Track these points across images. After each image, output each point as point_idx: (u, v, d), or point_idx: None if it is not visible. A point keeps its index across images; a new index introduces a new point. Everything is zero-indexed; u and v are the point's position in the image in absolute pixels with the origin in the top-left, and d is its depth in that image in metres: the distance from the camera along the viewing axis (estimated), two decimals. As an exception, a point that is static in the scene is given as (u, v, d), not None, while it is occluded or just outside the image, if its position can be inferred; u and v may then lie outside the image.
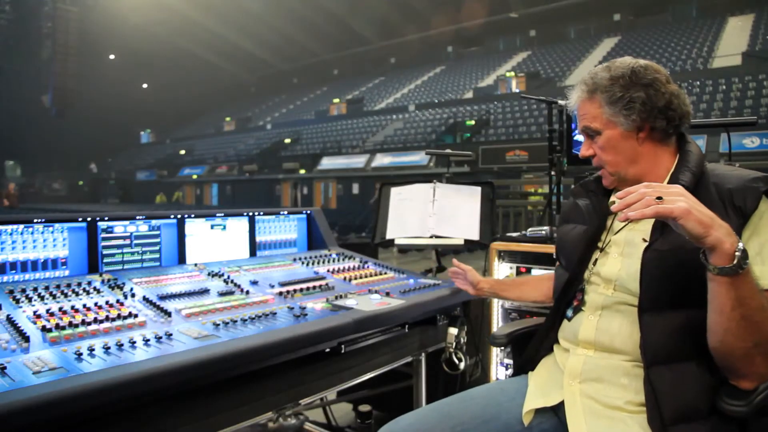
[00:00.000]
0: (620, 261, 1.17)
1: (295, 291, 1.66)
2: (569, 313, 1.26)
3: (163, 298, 1.49)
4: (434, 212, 2.25)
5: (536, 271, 2.13)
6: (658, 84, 1.14)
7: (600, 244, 1.23)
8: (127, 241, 1.76)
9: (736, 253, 0.90)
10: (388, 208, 2.34)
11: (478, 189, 2.27)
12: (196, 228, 1.94)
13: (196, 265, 1.85)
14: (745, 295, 0.92)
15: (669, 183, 1.12)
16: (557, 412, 1.22)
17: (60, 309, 1.30)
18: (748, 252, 0.96)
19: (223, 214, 2.03)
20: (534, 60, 27.71)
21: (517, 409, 1.24)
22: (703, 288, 0.99)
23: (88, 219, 1.69)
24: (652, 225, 1.12)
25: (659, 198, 0.93)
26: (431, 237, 2.22)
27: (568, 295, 1.27)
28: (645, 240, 1.12)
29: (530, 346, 1.38)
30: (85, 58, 29.37)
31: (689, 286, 1.03)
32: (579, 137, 1.30)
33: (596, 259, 1.22)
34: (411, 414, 1.27)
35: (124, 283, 1.55)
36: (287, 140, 26.74)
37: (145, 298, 1.46)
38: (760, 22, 22.10)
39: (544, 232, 2.18)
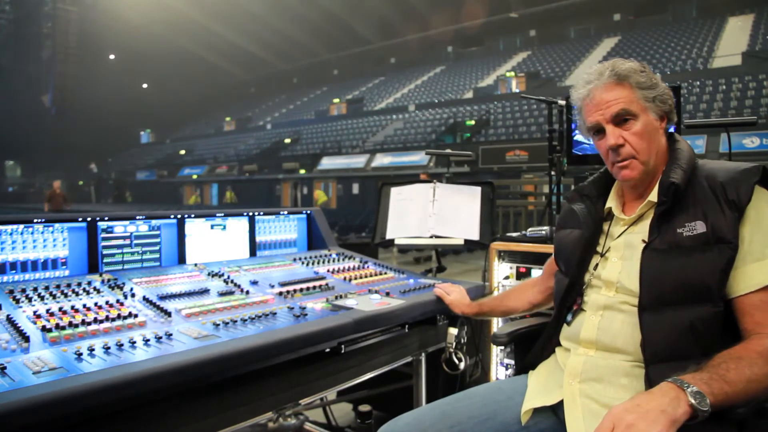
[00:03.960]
0: (620, 264, 1.17)
1: (295, 291, 1.66)
2: (569, 317, 1.27)
3: (163, 298, 1.49)
4: (434, 212, 2.25)
5: (536, 272, 2.12)
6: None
7: (599, 249, 1.23)
8: (127, 241, 1.76)
9: (694, 411, 0.87)
10: (388, 208, 2.34)
11: (478, 189, 2.27)
12: (196, 228, 1.93)
13: (196, 265, 1.85)
14: (738, 391, 0.91)
15: (661, 181, 1.13)
16: (556, 411, 1.22)
17: (60, 309, 1.30)
18: (743, 246, 0.99)
19: (223, 214, 2.03)
20: (534, 60, 27.68)
21: (515, 408, 1.24)
22: (702, 285, 1.01)
23: (88, 219, 1.69)
24: (650, 225, 1.13)
25: None
26: (431, 237, 2.22)
27: (569, 300, 1.27)
28: (644, 241, 1.12)
29: (533, 350, 1.38)
30: (85, 58, 29.39)
31: (688, 283, 1.04)
32: (579, 137, 1.30)
33: (596, 264, 1.23)
34: (410, 413, 1.28)
35: (124, 283, 1.55)
36: (287, 140, 26.72)
37: (145, 298, 1.46)
38: (760, 22, 22.07)
39: (544, 232, 2.18)
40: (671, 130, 1.25)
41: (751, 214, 1.04)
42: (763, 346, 0.97)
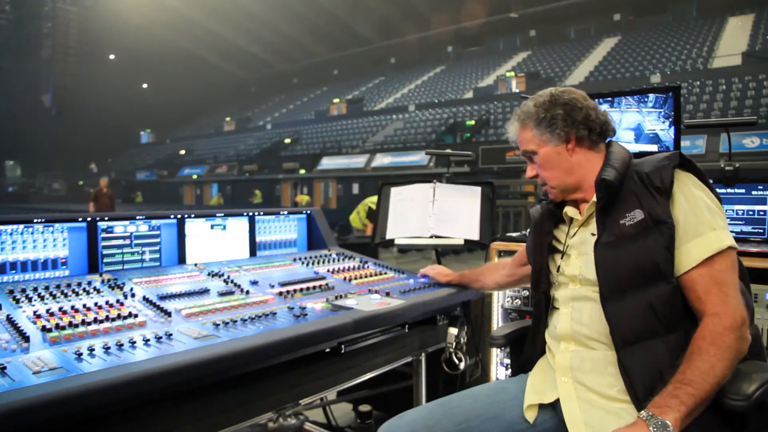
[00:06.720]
0: (580, 259, 1.26)
1: (295, 291, 1.66)
2: (548, 320, 1.35)
3: (163, 298, 1.49)
4: (434, 212, 2.25)
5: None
6: (574, 101, 1.28)
7: (561, 248, 1.33)
8: (127, 241, 1.76)
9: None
10: (388, 208, 2.34)
11: (478, 189, 2.27)
12: (196, 228, 1.93)
13: (196, 265, 1.85)
14: (699, 386, 0.99)
15: (595, 181, 1.22)
16: (557, 409, 1.24)
17: (60, 309, 1.30)
18: (680, 228, 1.09)
19: (223, 214, 2.03)
20: (534, 60, 27.67)
21: (520, 407, 1.28)
22: (652, 265, 1.10)
23: (88, 219, 1.69)
24: (596, 221, 1.22)
25: None
26: (431, 237, 2.22)
27: (540, 285, 1.36)
28: (593, 234, 1.22)
29: (526, 348, 1.43)
30: (85, 58, 29.41)
31: (640, 266, 1.12)
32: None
33: (559, 266, 1.31)
34: (415, 410, 1.29)
35: (124, 283, 1.55)
36: (287, 140, 26.71)
37: (145, 298, 1.46)
38: (760, 22, 22.06)
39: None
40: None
41: (678, 198, 1.14)
42: (706, 329, 1.05)
